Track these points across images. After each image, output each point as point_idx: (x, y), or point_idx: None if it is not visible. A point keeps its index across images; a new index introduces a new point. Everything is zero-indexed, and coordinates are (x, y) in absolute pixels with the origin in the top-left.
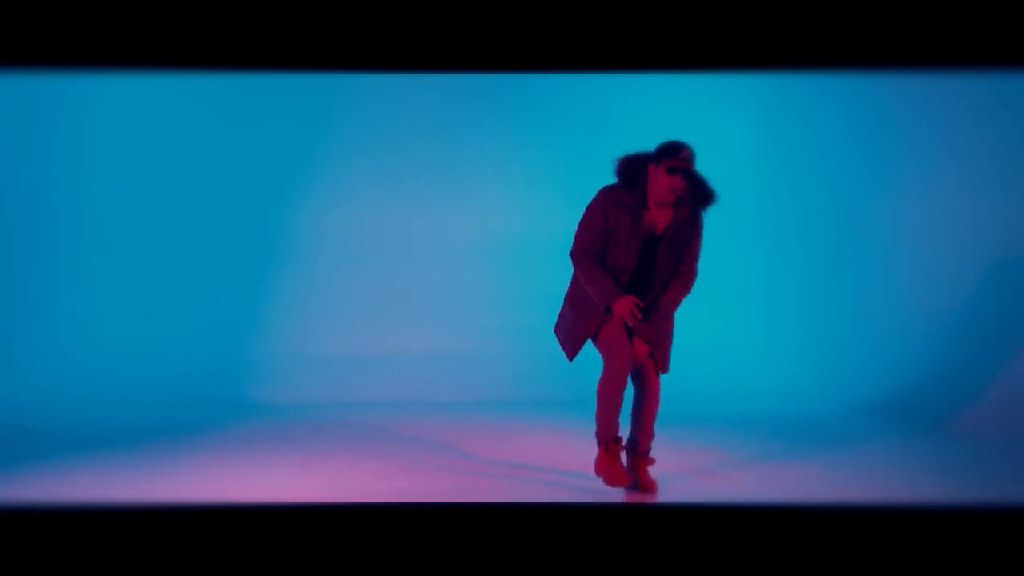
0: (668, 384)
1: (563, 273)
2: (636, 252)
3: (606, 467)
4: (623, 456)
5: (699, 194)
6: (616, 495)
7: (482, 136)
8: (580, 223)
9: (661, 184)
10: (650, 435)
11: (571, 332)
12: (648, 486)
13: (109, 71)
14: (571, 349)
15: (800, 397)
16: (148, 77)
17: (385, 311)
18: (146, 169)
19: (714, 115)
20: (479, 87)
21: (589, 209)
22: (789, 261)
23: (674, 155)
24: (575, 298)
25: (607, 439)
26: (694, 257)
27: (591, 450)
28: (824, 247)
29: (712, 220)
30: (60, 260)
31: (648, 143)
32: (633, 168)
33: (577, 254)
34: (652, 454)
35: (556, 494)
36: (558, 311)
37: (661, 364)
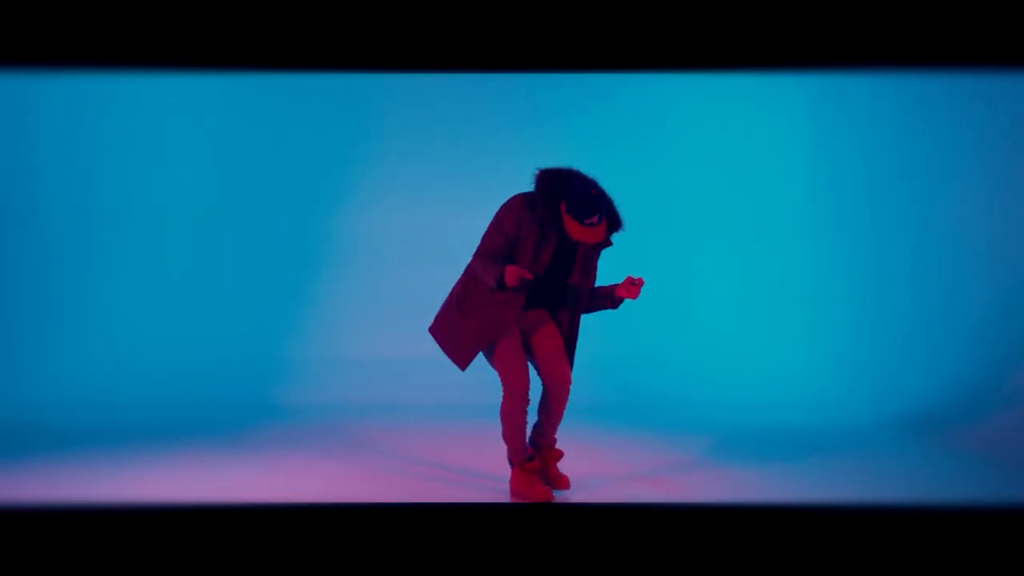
0: (703, 390)
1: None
2: (545, 264)
3: (525, 487)
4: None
5: (611, 223)
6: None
7: (522, 139)
8: (491, 226)
9: (572, 229)
10: (556, 427)
11: (462, 339)
12: (562, 483)
13: (149, 71)
14: (464, 358)
15: (836, 408)
16: (187, 77)
17: (419, 315)
18: (183, 170)
19: (764, 117)
20: (521, 89)
21: (502, 215)
22: (838, 267)
23: (580, 220)
24: (472, 304)
25: (520, 460)
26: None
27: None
28: (875, 253)
29: (761, 224)
30: (100, 260)
31: (696, 145)
32: (554, 189)
33: (484, 254)
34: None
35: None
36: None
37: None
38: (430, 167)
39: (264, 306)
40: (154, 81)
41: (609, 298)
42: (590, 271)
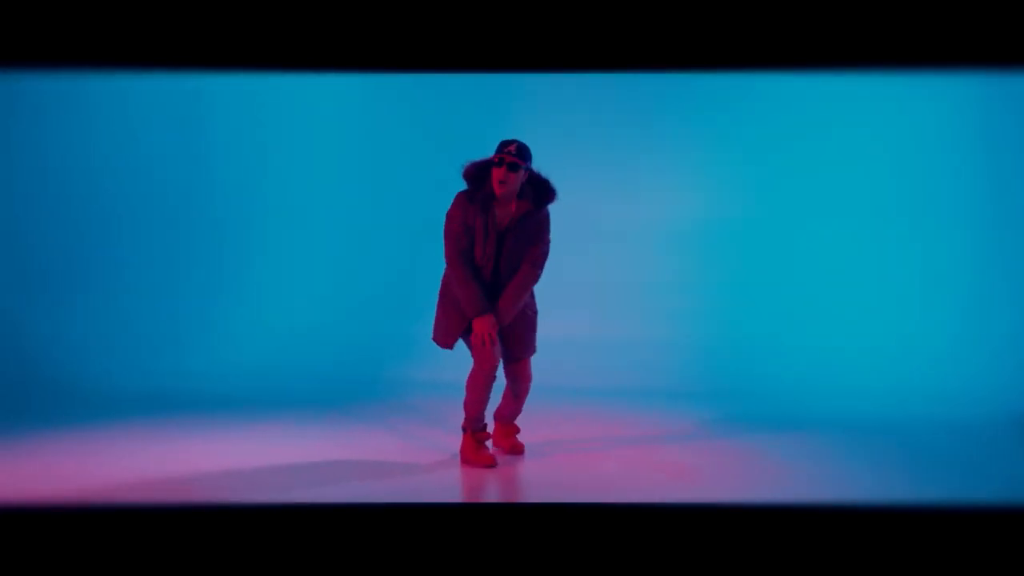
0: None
1: (735, 259)
2: (492, 250)
3: (472, 453)
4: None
5: (538, 191)
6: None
7: (668, 134)
8: (445, 230)
9: (493, 177)
10: (519, 410)
11: (446, 327)
12: (518, 450)
13: (303, 72)
14: (447, 342)
15: (956, 400)
16: (342, 77)
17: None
18: (331, 163)
19: (929, 115)
20: (679, 86)
21: (448, 215)
22: (1003, 262)
23: (499, 149)
24: (445, 301)
25: (474, 428)
26: (541, 254)
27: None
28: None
29: (926, 220)
30: (258, 249)
31: (841, 144)
32: (477, 171)
33: (452, 256)
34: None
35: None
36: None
37: (527, 349)
38: (572, 156)
39: (399, 289)
40: (312, 81)
41: None
42: (526, 243)
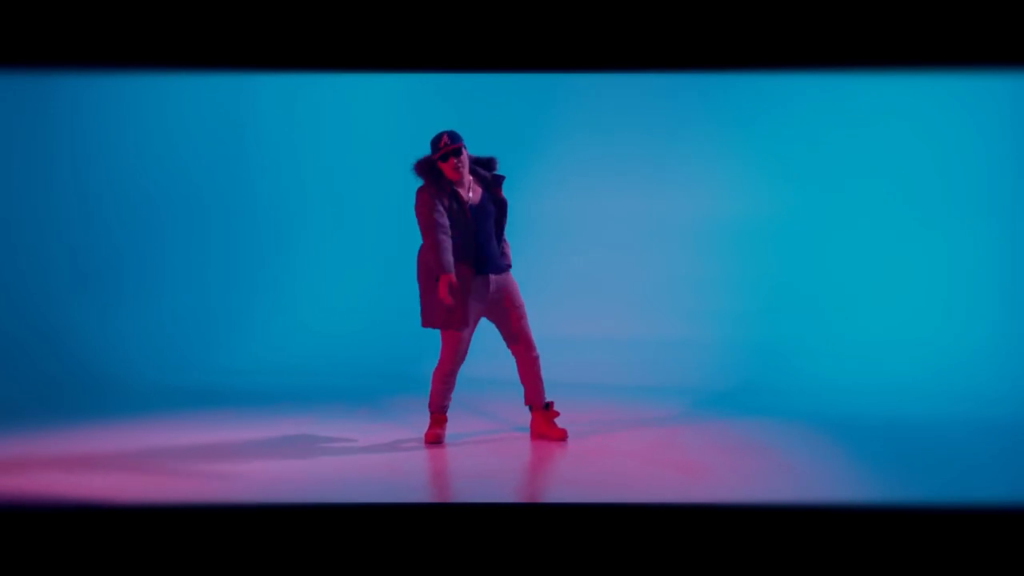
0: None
1: (776, 260)
2: (472, 221)
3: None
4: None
5: (484, 165)
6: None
7: (699, 135)
8: (417, 209)
9: (447, 170)
10: (539, 392)
11: (431, 311)
12: (557, 435)
13: (340, 71)
14: (426, 322)
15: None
16: (379, 76)
17: (597, 295)
18: (382, 160)
19: (964, 113)
20: (711, 87)
21: (420, 199)
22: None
23: (435, 149)
24: (426, 289)
25: (433, 412)
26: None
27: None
28: None
29: (960, 218)
30: (298, 252)
31: (875, 143)
32: (426, 166)
33: (425, 227)
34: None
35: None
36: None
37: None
38: (613, 154)
39: None
40: (349, 81)
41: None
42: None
